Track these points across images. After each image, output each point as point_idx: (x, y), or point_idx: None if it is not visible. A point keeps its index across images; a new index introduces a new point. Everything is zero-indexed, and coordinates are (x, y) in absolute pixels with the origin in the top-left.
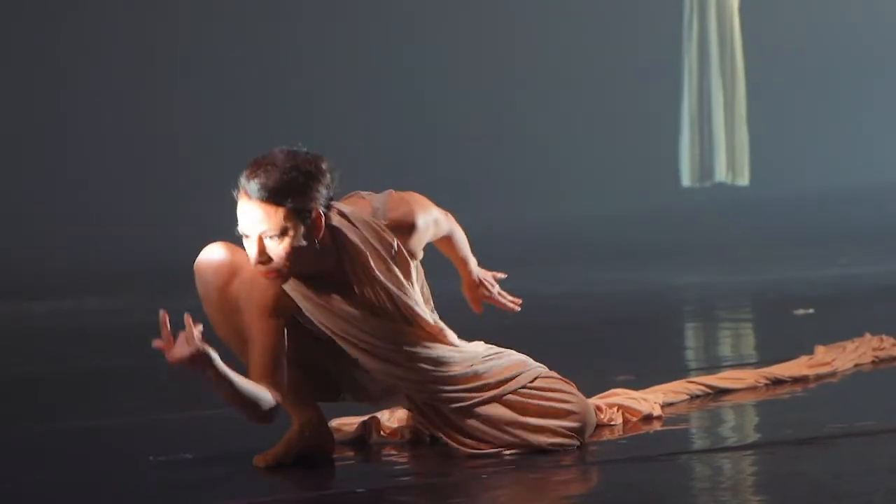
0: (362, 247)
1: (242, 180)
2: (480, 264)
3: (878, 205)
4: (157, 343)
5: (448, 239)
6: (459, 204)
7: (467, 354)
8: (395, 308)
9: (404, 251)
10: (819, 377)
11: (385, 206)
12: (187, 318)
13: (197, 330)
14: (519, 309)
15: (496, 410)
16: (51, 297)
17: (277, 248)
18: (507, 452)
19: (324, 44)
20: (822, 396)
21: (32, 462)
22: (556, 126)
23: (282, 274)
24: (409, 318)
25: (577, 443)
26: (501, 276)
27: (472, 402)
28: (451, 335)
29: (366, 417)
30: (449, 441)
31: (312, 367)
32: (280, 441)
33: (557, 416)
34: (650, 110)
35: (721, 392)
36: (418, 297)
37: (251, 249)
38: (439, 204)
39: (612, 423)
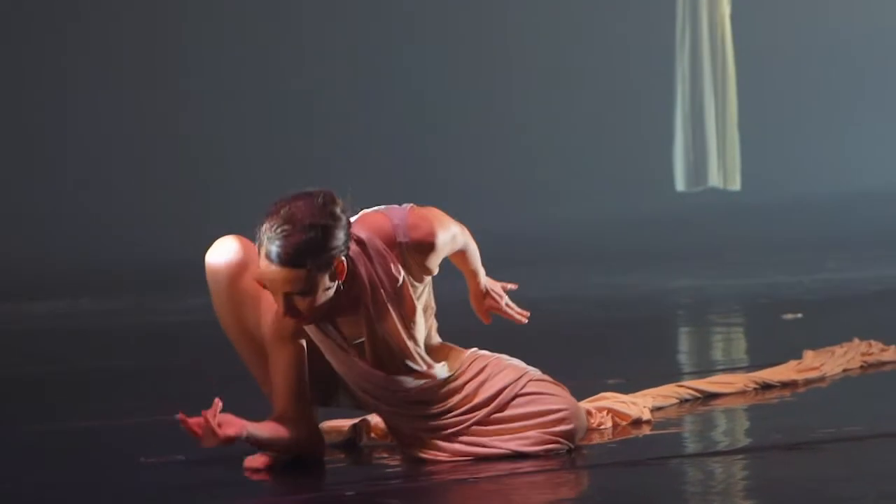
0: (367, 284)
1: (263, 239)
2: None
3: (866, 210)
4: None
5: (462, 253)
6: (454, 206)
7: (458, 382)
8: (389, 350)
9: (408, 286)
10: (808, 382)
11: (406, 223)
12: (206, 414)
13: (215, 411)
14: (526, 321)
15: (486, 426)
16: (50, 297)
17: (304, 302)
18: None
19: (324, 43)
20: (810, 401)
21: (32, 462)
22: (552, 131)
23: (309, 320)
24: (402, 359)
25: (568, 446)
26: (511, 286)
27: (464, 425)
28: (440, 369)
29: (356, 420)
30: (432, 456)
31: (310, 370)
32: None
33: (548, 419)
34: (645, 117)
35: (710, 396)
36: (420, 326)
37: (278, 304)
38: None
39: (602, 426)
